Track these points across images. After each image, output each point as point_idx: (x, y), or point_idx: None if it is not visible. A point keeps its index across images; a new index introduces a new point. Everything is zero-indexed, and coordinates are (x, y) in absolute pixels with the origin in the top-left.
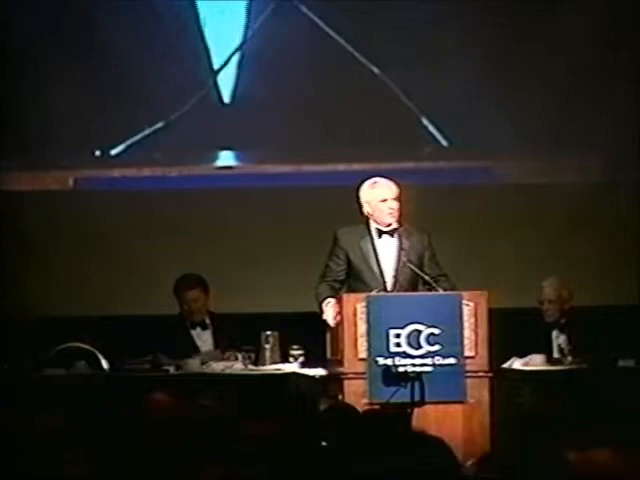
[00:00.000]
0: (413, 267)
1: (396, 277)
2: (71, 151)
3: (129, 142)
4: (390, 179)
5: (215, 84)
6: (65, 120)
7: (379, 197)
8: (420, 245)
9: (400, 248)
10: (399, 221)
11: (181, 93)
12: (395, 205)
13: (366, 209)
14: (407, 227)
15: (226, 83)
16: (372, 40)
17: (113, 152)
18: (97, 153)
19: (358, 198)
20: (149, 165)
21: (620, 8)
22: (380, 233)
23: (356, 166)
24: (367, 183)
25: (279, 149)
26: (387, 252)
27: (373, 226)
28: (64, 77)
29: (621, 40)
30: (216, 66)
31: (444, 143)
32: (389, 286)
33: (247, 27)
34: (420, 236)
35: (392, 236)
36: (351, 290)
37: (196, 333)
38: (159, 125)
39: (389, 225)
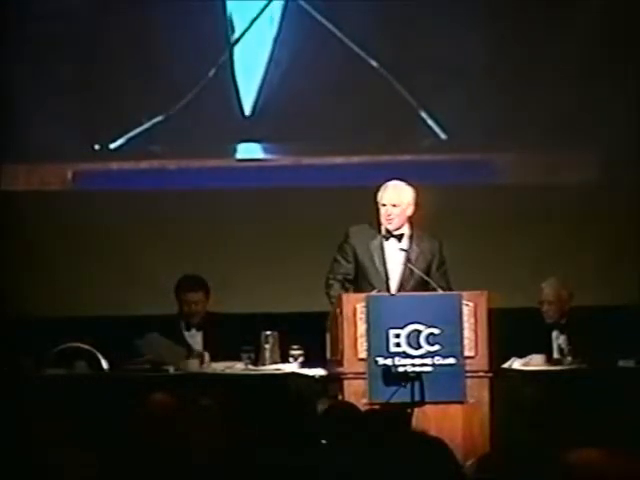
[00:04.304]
0: (414, 268)
1: (402, 282)
2: (70, 145)
3: (128, 136)
4: (409, 184)
5: (215, 77)
6: (64, 113)
7: (380, 201)
8: (429, 252)
9: (407, 253)
10: (410, 226)
11: (181, 86)
12: (393, 211)
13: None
14: (419, 233)
15: (227, 81)
16: (371, 34)
17: (112, 146)
18: (96, 147)
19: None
20: (148, 159)
21: (620, 7)
22: (388, 236)
23: (355, 159)
24: (383, 185)
25: (277, 143)
26: (394, 255)
27: (383, 227)
28: (64, 71)
29: (621, 39)
30: (219, 61)
31: (442, 136)
32: (393, 289)
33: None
34: (431, 243)
35: (400, 240)
36: (358, 289)
37: (190, 334)
38: (159, 118)
39: (387, 230)
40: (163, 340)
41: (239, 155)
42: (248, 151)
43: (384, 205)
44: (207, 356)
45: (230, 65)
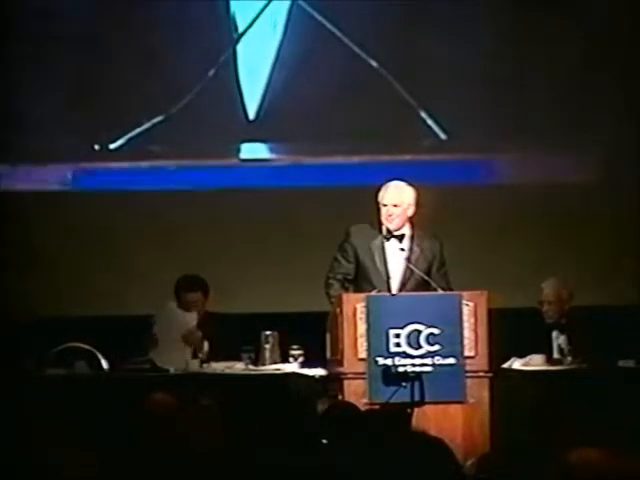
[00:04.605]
0: (414, 268)
1: (403, 282)
2: (70, 145)
3: (128, 136)
4: (410, 184)
5: (216, 77)
6: (64, 113)
7: (381, 201)
8: (430, 253)
9: (409, 253)
10: (411, 226)
11: (181, 86)
12: (394, 211)
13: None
14: (419, 233)
15: (226, 81)
16: (371, 34)
17: (112, 146)
18: (96, 147)
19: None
20: (148, 159)
21: (620, 7)
22: (389, 236)
23: (355, 159)
24: (384, 185)
25: (278, 143)
26: (395, 255)
27: (384, 227)
28: (64, 71)
29: (621, 39)
30: (219, 61)
31: (442, 136)
32: (394, 289)
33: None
34: (432, 244)
35: (401, 241)
36: (359, 289)
37: None
38: (159, 118)
39: (388, 230)
40: (180, 313)
41: (239, 155)
42: (248, 151)
43: (385, 205)
44: (206, 345)
45: (234, 69)
